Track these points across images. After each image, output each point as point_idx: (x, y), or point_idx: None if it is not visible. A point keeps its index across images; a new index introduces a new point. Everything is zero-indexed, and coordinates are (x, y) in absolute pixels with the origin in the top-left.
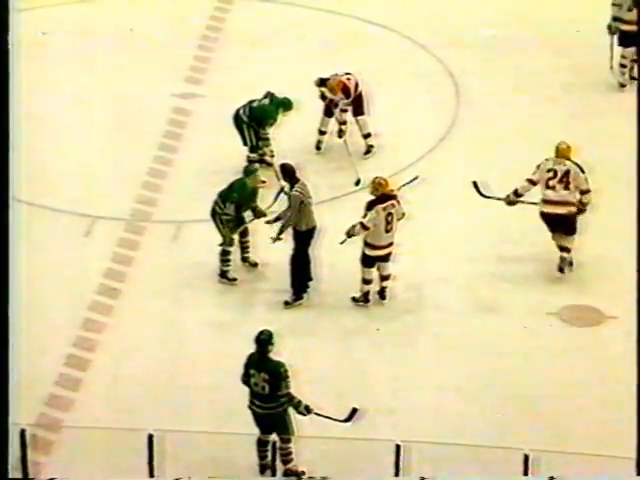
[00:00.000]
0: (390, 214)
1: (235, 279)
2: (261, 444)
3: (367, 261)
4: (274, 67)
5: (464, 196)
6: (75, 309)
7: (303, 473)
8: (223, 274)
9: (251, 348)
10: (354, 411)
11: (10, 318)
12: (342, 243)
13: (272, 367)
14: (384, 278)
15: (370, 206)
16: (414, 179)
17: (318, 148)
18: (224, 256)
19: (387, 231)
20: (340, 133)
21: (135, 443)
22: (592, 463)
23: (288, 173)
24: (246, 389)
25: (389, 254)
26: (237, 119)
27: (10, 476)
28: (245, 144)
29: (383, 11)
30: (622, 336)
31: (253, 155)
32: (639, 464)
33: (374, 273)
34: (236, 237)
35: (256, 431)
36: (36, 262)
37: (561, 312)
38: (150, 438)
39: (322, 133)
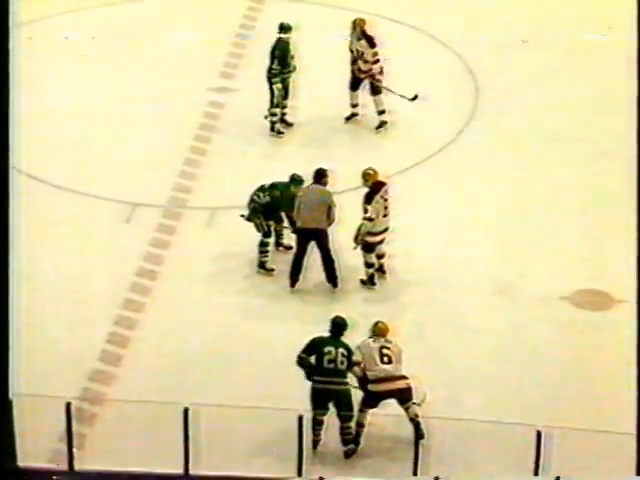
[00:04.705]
0: (386, 200)
1: (273, 269)
2: (317, 423)
3: (369, 248)
4: (301, 63)
5: (481, 187)
6: (116, 290)
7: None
8: (262, 265)
9: (280, 328)
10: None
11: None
12: (355, 249)
13: (347, 345)
14: (380, 257)
15: (369, 198)
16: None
17: (348, 119)
18: (262, 247)
19: (385, 216)
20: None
21: (173, 416)
22: (603, 440)
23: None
24: (277, 365)
25: (384, 238)
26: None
27: (23, 463)
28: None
29: (406, 9)
30: (632, 320)
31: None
32: (639, 464)
33: (374, 257)
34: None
35: (292, 406)
36: (81, 247)
37: (573, 296)
38: (185, 412)
39: (354, 106)
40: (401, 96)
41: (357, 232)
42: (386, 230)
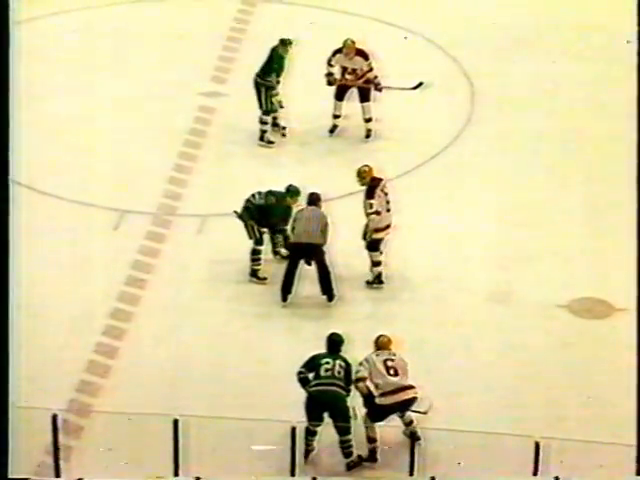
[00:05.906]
0: (387, 194)
1: (265, 278)
2: (311, 433)
3: (374, 246)
4: (294, 67)
5: (478, 194)
6: (104, 299)
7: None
8: (254, 273)
9: (272, 337)
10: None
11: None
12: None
13: (346, 359)
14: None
15: (370, 193)
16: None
17: (331, 132)
18: (254, 255)
19: (388, 210)
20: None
21: (162, 428)
22: (602, 451)
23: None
24: (269, 376)
25: (386, 235)
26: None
27: (10, 476)
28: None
29: (401, 13)
30: (631, 328)
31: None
32: (639, 464)
33: (381, 255)
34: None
35: (285, 417)
36: (68, 255)
37: (571, 304)
38: (175, 423)
39: (336, 117)
40: (402, 89)
41: (365, 229)
42: (388, 227)
